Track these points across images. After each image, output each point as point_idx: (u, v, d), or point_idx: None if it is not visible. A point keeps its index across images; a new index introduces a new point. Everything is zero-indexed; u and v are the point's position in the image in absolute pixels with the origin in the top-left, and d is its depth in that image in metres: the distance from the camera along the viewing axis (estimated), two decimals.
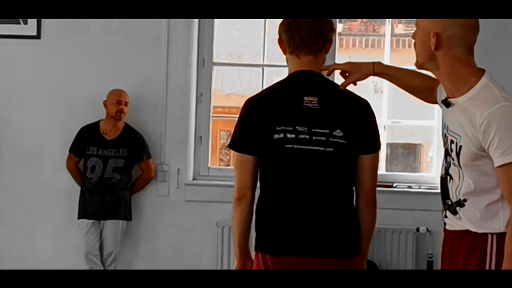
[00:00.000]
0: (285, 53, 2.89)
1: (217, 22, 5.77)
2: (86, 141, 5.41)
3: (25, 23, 5.61)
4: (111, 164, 5.35)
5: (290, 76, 2.85)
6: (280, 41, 2.88)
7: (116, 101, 5.37)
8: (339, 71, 2.94)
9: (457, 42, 2.48)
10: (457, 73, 2.50)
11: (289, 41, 2.83)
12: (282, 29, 2.85)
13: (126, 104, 5.41)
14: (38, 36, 5.63)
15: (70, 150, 5.48)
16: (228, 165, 7.00)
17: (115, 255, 5.39)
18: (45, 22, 5.62)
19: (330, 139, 2.73)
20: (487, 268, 2.43)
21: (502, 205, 2.45)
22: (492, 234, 2.45)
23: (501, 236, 2.42)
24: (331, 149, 2.73)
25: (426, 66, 2.59)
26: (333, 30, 2.86)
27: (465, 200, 2.51)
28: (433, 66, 2.56)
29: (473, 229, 2.47)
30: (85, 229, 5.36)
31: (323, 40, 2.82)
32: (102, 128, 5.44)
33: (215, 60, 5.79)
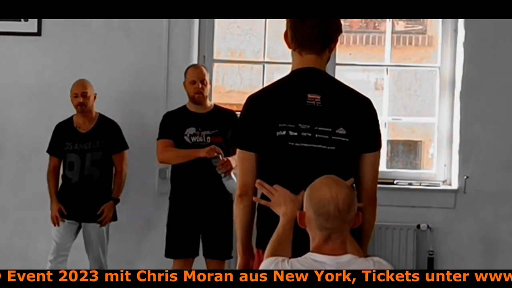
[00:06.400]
0: (289, 47, 2.87)
1: (218, 19, 5.76)
2: (62, 137, 5.22)
3: (26, 20, 5.59)
4: (89, 158, 5.14)
5: (293, 73, 2.84)
6: (286, 35, 2.86)
7: (73, 95, 5.17)
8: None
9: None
10: None
11: (293, 38, 2.82)
12: (288, 24, 2.83)
13: (85, 95, 5.14)
14: (38, 33, 5.62)
15: (50, 152, 5.27)
16: None
17: (103, 258, 5.17)
18: (45, 19, 5.61)
19: (333, 137, 2.73)
20: None
21: None
22: None
23: None
24: (334, 148, 2.72)
25: None
26: (339, 30, 2.84)
27: None
28: None
29: None
30: (63, 229, 5.13)
31: (326, 41, 2.80)
32: (75, 122, 5.24)
33: (215, 57, 5.77)
